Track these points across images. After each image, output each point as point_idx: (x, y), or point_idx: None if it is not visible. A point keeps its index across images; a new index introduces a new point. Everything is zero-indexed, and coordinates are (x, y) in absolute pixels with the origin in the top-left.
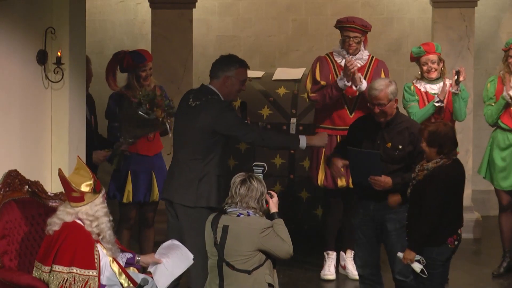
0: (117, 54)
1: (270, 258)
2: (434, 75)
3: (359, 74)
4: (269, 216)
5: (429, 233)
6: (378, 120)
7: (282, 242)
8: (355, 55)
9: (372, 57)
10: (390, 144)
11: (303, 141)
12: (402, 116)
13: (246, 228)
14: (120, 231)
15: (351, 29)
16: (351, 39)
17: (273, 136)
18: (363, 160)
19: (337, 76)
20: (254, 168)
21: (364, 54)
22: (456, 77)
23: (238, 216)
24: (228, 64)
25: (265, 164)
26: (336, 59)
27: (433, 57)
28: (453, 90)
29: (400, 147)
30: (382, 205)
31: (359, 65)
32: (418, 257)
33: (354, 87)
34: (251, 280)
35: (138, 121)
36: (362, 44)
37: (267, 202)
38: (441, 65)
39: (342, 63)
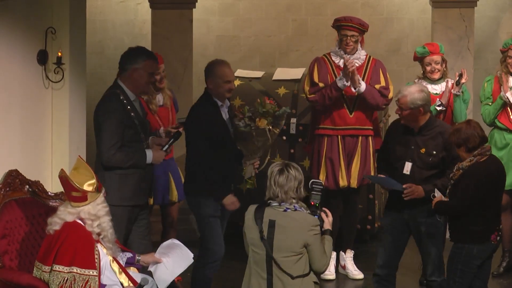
0: None
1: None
2: (437, 75)
3: (358, 76)
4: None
5: (451, 215)
6: (401, 122)
7: (324, 255)
8: (353, 54)
9: (370, 56)
10: (424, 149)
11: (149, 156)
12: (435, 121)
13: (294, 223)
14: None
15: (349, 28)
16: (349, 37)
17: (126, 159)
18: (382, 182)
19: (335, 77)
20: (313, 186)
21: (361, 54)
22: (457, 78)
23: (284, 211)
24: (136, 56)
25: (322, 182)
26: (333, 59)
27: (437, 57)
28: (455, 92)
29: (434, 152)
30: (416, 210)
31: (357, 65)
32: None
33: (353, 89)
34: (299, 279)
35: (242, 137)
36: (359, 44)
37: (322, 220)
38: (443, 65)
39: (340, 63)
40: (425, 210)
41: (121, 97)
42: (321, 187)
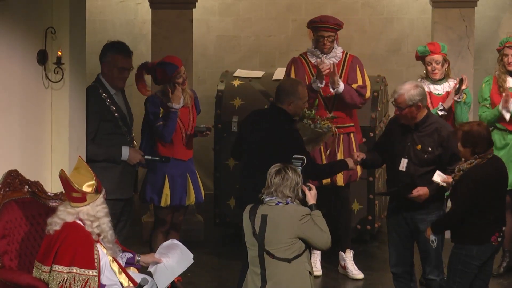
0: (143, 66)
1: (308, 248)
2: (437, 75)
3: (338, 77)
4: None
5: (449, 225)
6: (399, 122)
7: (322, 232)
8: (329, 53)
9: (347, 53)
10: (420, 146)
11: (125, 153)
12: (432, 118)
13: (285, 216)
14: (156, 235)
15: (325, 29)
16: (325, 38)
17: (98, 152)
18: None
19: (312, 76)
20: (293, 161)
21: (337, 52)
22: (458, 85)
23: (276, 204)
24: (106, 50)
25: (304, 157)
26: (310, 59)
27: (438, 57)
28: (455, 98)
29: (430, 149)
30: (414, 207)
31: (331, 62)
32: (433, 237)
33: (331, 90)
34: (292, 269)
35: (311, 137)
36: (335, 41)
37: (304, 194)
38: (445, 66)
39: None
40: (423, 208)
41: (100, 91)
42: (301, 161)
